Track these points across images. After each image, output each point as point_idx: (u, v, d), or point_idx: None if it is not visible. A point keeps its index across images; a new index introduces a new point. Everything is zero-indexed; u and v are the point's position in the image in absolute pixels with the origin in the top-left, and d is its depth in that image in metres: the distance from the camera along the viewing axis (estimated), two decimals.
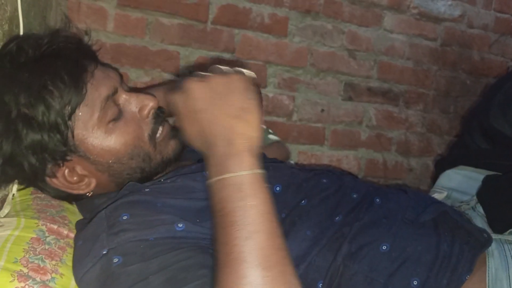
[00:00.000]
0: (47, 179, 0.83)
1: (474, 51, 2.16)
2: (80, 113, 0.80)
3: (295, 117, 1.88)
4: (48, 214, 0.85)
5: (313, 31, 1.86)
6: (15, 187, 0.93)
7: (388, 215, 0.88)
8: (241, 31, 1.76)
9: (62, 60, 0.80)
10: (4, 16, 0.88)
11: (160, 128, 0.88)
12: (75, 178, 0.84)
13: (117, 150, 0.83)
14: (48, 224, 0.82)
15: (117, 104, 0.84)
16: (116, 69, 0.89)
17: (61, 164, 0.82)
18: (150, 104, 0.86)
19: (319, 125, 1.92)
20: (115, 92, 0.84)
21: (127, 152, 0.84)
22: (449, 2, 2.07)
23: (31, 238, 0.77)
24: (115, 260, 0.69)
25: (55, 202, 0.90)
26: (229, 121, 0.66)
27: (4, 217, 0.84)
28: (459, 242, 0.85)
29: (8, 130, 0.77)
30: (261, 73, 1.79)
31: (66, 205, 0.91)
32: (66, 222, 0.85)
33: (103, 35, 1.60)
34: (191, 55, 1.71)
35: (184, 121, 0.71)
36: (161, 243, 0.71)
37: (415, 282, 0.80)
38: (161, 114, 0.89)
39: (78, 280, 0.74)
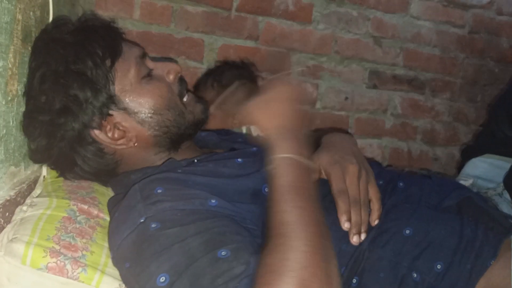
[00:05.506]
0: (93, 133, 0.86)
1: (502, 38, 2.10)
2: (118, 68, 0.87)
3: (318, 105, 1.88)
4: (78, 195, 0.88)
5: (338, 18, 1.85)
6: (45, 169, 0.97)
7: (411, 200, 0.88)
8: (265, 18, 1.76)
9: (98, 28, 0.90)
10: (36, 3, 0.90)
11: (186, 95, 0.95)
12: (116, 135, 0.88)
13: (154, 101, 0.89)
14: (79, 204, 0.84)
15: (148, 68, 0.92)
16: (140, 45, 0.96)
17: (105, 118, 0.86)
18: (176, 68, 0.93)
19: (342, 113, 1.92)
20: (144, 55, 0.92)
21: (164, 103, 0.90)
22: None
23: (63, 217, 0.80)
24: (153, 225, 0.72)
25: (85, 183, 0.93)
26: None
27: (37, 197, 0.87)
28: (483, 228, 0.84)
29: (59, 85, 0.84)
30: (285, 60, 1.79)
31: (96, 186, 0.94)
32: (96, 203, 0.88)
33: (130, 23, 1.62)
34: (215, 42, 1.72)
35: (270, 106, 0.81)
36: (197, 212, 0.74)
37: (439, 266, 0.80)
38: (184, 81, 0.95)
39: (116, 248, 0.76)
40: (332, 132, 1.03)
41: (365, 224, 0.82)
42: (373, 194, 0.86)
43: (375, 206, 0.85)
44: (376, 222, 0.84)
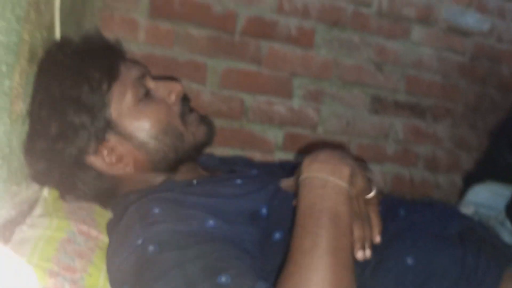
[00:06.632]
0: (90, 159, 0.86)
1: (503, 66, 2.12)
2: (115, 91, 0.86)
3: (320, 129, 1.88)
4: (78, 215, 0.87)
5: (339, 43, 1.87)
6: (46, 189, 0.96)
7: (413, 228, 0.87)
8: (268, 42, 1.78)
9: (98, 49, 0.89)
10: (43, 24, 0.92)
11: (190, 114, 0.93)
12: (114, 159, 0.87)
13: (152, 125, 0.88)
14: (78, 225, 0.84)
15: (146, 88, 0.90)
16: (142, 64, 0.96)
17: (101, 143, 0.86)
18: (177, 88, 0.92)
19: (344, 138, 1.92)
20: (144, 75, 0.91)
21: (161, 128, 0.88)
22: (478, 16, 2.05)
23: (62, 238, 0.80)
24: (151, 248, 0.71)
25: (86, 204, 0.93)
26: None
27: (37, 217, 0.86)
28: (485, 257, 0.83)
29: (55, 111, 0.84)
30: (287, 84, 1.81)
31: (95, 208, 0.94)
32: (95, 224, 0.88)
33: (135, 46, 1.64)
34: (218, 66, 1.74)
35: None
36: (195, 234, 0.73)
37: None
38: (187, 99, 0.94)
39: (114, 270, 0.75)
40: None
41: (368, 239, 0.78)
42: (371, 209, 0.83)
43: (375, 222, 0.81)
44: (378, 238, 0.80)
